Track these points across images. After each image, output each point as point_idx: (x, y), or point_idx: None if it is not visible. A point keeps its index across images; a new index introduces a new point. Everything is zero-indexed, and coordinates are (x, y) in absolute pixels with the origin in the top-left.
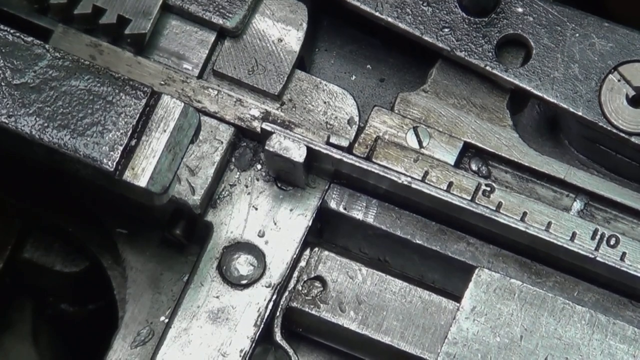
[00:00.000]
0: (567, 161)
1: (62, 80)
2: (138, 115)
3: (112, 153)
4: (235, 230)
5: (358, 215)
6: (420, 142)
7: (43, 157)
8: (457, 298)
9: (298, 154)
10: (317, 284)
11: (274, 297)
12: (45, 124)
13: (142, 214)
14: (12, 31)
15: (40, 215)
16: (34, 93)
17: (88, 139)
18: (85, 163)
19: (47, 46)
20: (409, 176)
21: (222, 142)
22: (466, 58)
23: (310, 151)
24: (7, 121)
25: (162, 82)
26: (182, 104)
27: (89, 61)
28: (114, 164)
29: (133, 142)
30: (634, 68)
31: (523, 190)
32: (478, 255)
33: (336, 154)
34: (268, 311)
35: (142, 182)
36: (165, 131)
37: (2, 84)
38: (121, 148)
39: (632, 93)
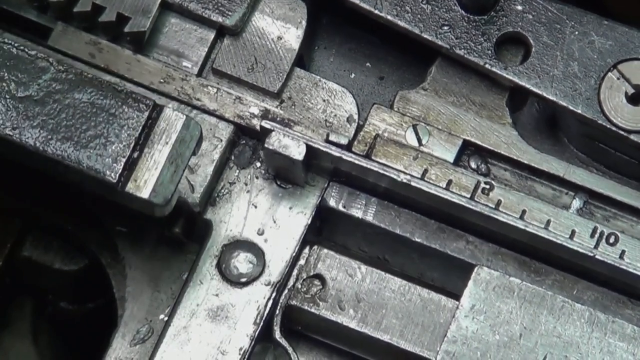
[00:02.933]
0: (566, 159)
1: (66, 93)
2: (140, 127)
3: (115, 165)
4: (235, 228)
5: (357, 213)
6: (419, 140)
7: (46, 168)
8: (457, 296)
9: (297, 152)
10: (317, 282)
11: (274, 295)
12: (49, 136)
13: (141, 213)
14: (16, 44)
15: (39, 214)
16: (37, 106)
17: (91, 151)
18: (89, 175)
19: (50, 59)
20: (408, 174)
21: (221, 140)
22: (465, 56)
23: (309, 149)
24: (11, 133)
25: (162, 80)
26: (184, 117)
27: (92, 74)
28: (117, 175)
29: (135, 155)
30: (633, 66)
31: (522, 188)
32: (477, 254)
33: (335, 152)
34: (267, 309)
35: (145, 193)
36: (167, 143)
37: (7, 96)
38: (124, 160)
39: (631, 91)
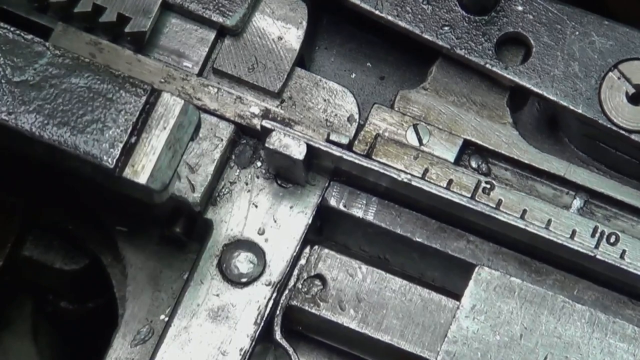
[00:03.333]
0: (567, 159)
1: (62, 77)
2: (138, 112)
3: (112, 150)
4: (235, 228)
5: (358, 213)
6: (420, 140)
7: (43, 154)
8: (457, 296)
9: (298, 151)
10: (317, 282)
11: (274, 295)
12: (45, 122)
13: (142, 212)
14: (12, 29)
15: (40, 213)
16: (34, 90)
17: (88, 136)
18: (85, 160)
19: (47, 44)
20: (409, 174)
21: (222, 140)
22: (466, 56)
23: (310, 148)
24: (7, 118)
25: (162, 80)
26: (182, 102)
27: (89, 59)
28: (114, 161)
29: (133, 140)
30: (633, 66)
31: (523, 187)
32: (478, 253)
33: (336, 152)
34: (268, 309)
35: (142, 179)
36: (165, 128)
37: (3, 81)
38: (121, 145)
39: (631, 91)
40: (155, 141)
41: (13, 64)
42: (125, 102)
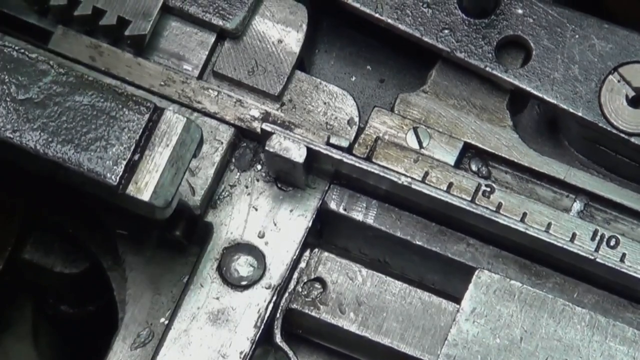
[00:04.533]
0: (567, 162)
1: (66, 95)
2: (141, 130)
3: (115, 167)
4: (235, 231)
5: (358, 216)
6: (420, 143)
7: (47, 171)
8: (457, 299)
9: (298, 155)
10: (317, 285)
11: (274, 298)
12: (50, 139)
13: (142, 215)
14: (17, 47)
15: (40, 215)
16: (38, 108)
17: (92, 153)
18: (89, 177)
19: (51, 62)
20: (409, 177)
21: (222, 143)
22: (466, 59)
23: (310, 152)
24: (12, 136)
25: (162, 83)
26: (185, 119)
27: (92, 77)
28: (118, 178)
29: (136, 157)
30: (633, 69)
31: (523, 190)
32: (478, 257)
33: (336, 155)
34: (268, 312)
35: (145, 196)
36: (168, 146)
37: (7, 99)
38: (124, 162)
39: (631, 94)
40: (158, 158)
41: (18, 82)
42: (129, 120)
